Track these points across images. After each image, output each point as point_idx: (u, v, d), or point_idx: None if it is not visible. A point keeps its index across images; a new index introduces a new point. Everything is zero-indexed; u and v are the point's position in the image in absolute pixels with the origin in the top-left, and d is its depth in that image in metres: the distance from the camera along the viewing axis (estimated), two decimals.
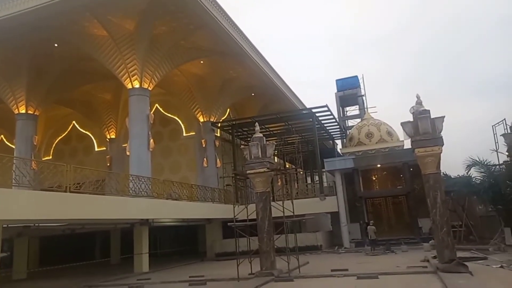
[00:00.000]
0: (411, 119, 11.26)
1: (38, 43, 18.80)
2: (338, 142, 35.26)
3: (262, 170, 12.24)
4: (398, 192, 22.45)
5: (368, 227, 18.00)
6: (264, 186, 12.44)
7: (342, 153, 26.52)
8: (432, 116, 11.00)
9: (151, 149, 18.59)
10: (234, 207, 12.71)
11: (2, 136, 29.24)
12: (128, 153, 18.72)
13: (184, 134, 26.14)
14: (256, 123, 14.41)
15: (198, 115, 25.04)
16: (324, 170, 24.02)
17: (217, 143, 25.41)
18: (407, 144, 19.40)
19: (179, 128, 26.26)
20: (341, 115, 39.58)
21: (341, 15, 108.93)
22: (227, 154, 25.91)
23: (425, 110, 11.16)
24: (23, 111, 20.99)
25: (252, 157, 12.49)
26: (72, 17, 16.95)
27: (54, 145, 28.66)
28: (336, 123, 28.02)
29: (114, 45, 18.22)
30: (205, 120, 25.03)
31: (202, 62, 22.55)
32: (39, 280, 15.65)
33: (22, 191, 10.35)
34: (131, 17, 17.42)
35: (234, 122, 25.56)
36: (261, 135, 13.10)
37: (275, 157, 26.93)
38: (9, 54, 19.55)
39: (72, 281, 14.33)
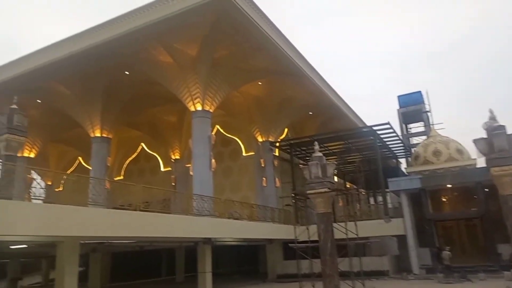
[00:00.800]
0: (484, 136, 10.48)
1: (111, 71, 20.44)
2: (402, 160, 33.68)
3: (322, 190, 12.01)
4: (472, 215, 20.67)
5: (443, 252, 16.78)
6: (325, 207, 12.17)
7: (407, 173, 25.25)
8: (508, 132, 10.16)
9: (212, 169, 19.13)
10: (294, 228, 12.55)
11: (80, 158, 31.88)
12: (191, 173, 19.41)
13: (244, 154, 26.60)
14: (315, 142, 14.28)
15: (257, 135, 25.42)
16: (388, 190, 22.97)
17: (275, 163, 25.50)
18: (481, 163, 17.97)
19: (239, 148, 26.79)
20: (404, 132, 37.90)
21: (397, 30, 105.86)
22: (286, 174, 25.85)
23: (500, 125, 10.35)
24: (98, 135, 22.75)
25: (312, 177, 12.32)
26: (140, 46, 18.26)
27: (125, 165, 30.59)
28: (399, 141, 26.85)
29: (179, 70, 19.26)
30: (263, 140, 25.32)
31: (260, 83, 23.01)
32: None
33: (98, 210, 11.12)
34: (193, 43, 18.35)
35: (292, 141, 25.54)
36: (320, 154, 12.93)
37: (336, 177, 26.35)
38: (87, 82, 21.45)
39: None
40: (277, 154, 26.42)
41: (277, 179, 24.99)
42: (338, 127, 26.18)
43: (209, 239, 15.63)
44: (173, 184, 26.80)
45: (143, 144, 30.28)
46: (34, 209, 10.02)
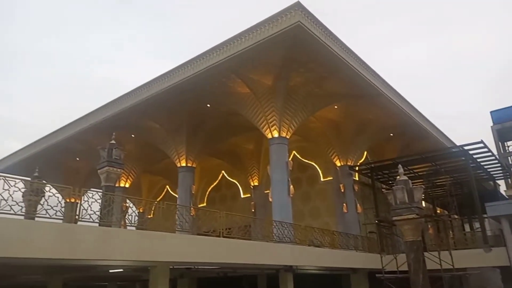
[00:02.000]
0: None
1: (194, 105, 21.89)
2: (501, 182, 30.29)
3: (410, 216, 11.31)
4: None
5: None
6: (414, 235, 11.41)
7: (507, 196, 22.60)
8: None
9: (291, 195, 19.13)
10: (381, 257, 11.89)
11: (167, 186, 34.15)
12: (270, 199, 19.62)
13: (322, 179, 26.19)
14: (399, 165, 13.59)
15: (334, 159, 24.95)
16: (485, 216, 20.73)
17: (356, 188, 24.64)
18: None
19: (317, 173, 26.48)
20: (501, 151, 34.22)
21: (478, 41, 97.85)
22: (368, 199, 24.78)
23: None
24: (184, 164, 24.27)
25: (398, 202, 11.70)
26: (219, 79, 19.36)
27: (207, 193, 31.99)
28: (495, 161, 24.30)
29: (256, 99, 19.96)
30: (342, 164, 24.74)
31: (336, 107, 22.78)
32: None
33: (186, 236, 11.75)
34: (269, 73, 18.96)
35: (373, 165, 24.55)
36: (406, 177, 12.27)
37: (424, 202, 24.57)
38: (173, 116, 23.23)
39: None
40: (357, 178, 25.56)
41: (358, 205, 24.06)
42: (423, 148, 24.61)
43: (290, 266, 15.46)
44: (253, 210, 27.25)
45: (223, 172, 31.47)
46: (130, 235, 10.91)
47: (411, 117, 24.10)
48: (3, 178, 8.80)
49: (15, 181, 9.08)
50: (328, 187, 25.61)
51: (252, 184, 28.47)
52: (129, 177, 28.72)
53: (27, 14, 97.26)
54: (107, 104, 23.75)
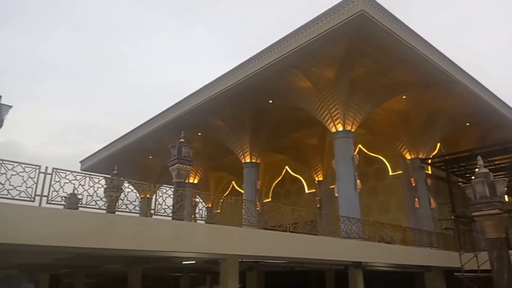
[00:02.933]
0: None
1: (256, 102, 22.20)
2: None
3: (492, 211, 10.45)
4: None
5: None
6: (497, 231, 10.53)
7: None
8: None
9: (358, 190, 18.63)
10: (460, 255, 11.15)
11: (233, 182, 35.08)
12: (336, 194, 19.29)
13: (390, 173, 25.14)
14: (478, 157, 12.58)
15: (404, 152, 23.79)
16: None
17: (429, 182, 23.30)
18: None
19: (384, 167, 25.48)
20: None
21: None
22: (442, 193, 23.27)
23: None
24: (248, 160, 24.76)
25: (478, 196, 10.87)
26: (281, 75, 19.37)
27: (272, 188, 32.30)
28: None
29: (318, 93, 19.69)
30: (412, 157, 23.52)
31: (404, 97, 21.67)
32: None
33: (254, 230, 12.01)
34: (331, 66, 18.58)
35: (447, 157, 22.97)
36: (486, 170, 11.35)
37: (507, 196, 22.50)
38: (236, 114, 23.77)
39: None
40: (429, 172, 24.14)
41: (431, 200, 22.73)
42: (503, 138, 22.57)
43: (360, 263, 15.09)
44: (318, 205, 26.98)
45: (287, 167, 31.52)
46: (201, 229, 11.42)
47: (489, 104, 22.17)
48: (88, 176, 9.67)
49: (98, 178, 9.95)
50: (398, 181, 24.52)
51: (317, 179, 28.18)
52: (197, 173, 29.97)
53: (103, 21, 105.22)
54: (176, 105, 24.98)
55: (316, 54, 17.69)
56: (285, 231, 12.55)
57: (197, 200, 15.83)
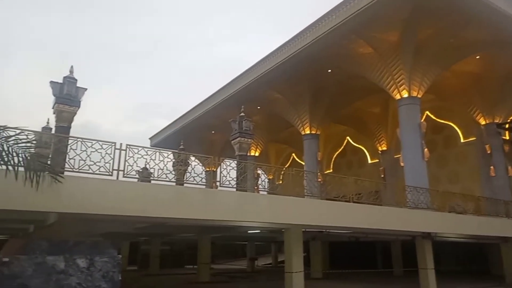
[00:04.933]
0: None
1: (314, 72, 21.74)
2: None
3: None
4: None
5: None
6: None
7: None
8: None
9: (426, 159, 17.78)
10: None
11: (293, 154, 35.21)
12: (402, 164, 18.60)
13: (462, 141, 23.57)
14: None
15: (477, 117, 22.08)
16: None
17: (506, 148, 21.51)
18: None
19: (455, 134, 23.91)
20: None
21: None
22: None
23: None
24: (308, 132, 24.60)
25: None
26: (339, 43, 18.70)
27: (333, 159, 31.95)
28: None
29: (380, 59, 18.78)
30: (487, 122, 21.78)
31: (478, 57, 19.88)
32: (333, 281, 17.54)
33: (317, 201, 12.10)
34: (393, 29, 17.53)
35: None
36: None
37: None
38: (294, 86, 23.53)
39: (360, 285, 15.36)
40: (507, 137, 22.22)
41: (509, 168, 21.03)
42: None
43: (429, 233, 14.59)
44: (382, 176, 26.24)
45: (348, 138, 30.85)
46: (264, 199, 11.76)
47: None
48: (158, 151, 10.32)
49: (167, 153, 10.57)
50: (470, 148, 22.96)
51: (380, 149, 27.30)
52: (258, 146, 30.47)
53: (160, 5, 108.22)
54: (234, 80, 25.33)
55: (378, 17, 16.75)
56: (348, 201, 12.46)
57: (259, 172, 16.15)
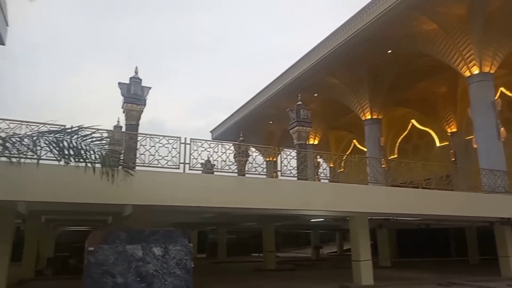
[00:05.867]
0: None
1: (372, 54, 20.83)
2: None
3: None
4: None
5: None
6: None
7: None
8: None
9: (502, 139, 16.37)
10: None
11: (354, 140, 34.26)
12: (475, 146, 17.31)
13: None
14: None
15: None
16: None
17: None
18: None
19: None
20: None
21: None
22: None
23: None
24: (369, 117, 23.76)
25: None
26: (399, 21, 17.69)
27: (397, 144, 30.57)
28: None
29: (446, 35, 17.51)
30: None
31: None
32: (402, 270, 16.97)
33: (381, 187, 11.72)
34: (460, 2, 16.24)
35: None
36: None
37: None
38: (352, 70, 22.78)
39: (433, 274, 14.69)
40: None
41: None
42: None
43: (508, 219, 13.49)
44: (453, 159, 24.59)
45: (413, 121, 29.26)
46: (326, 187, 11.65)
47: None
48: (220, 143, 10.64)
49: (228, 145, 10.87)
50: None
51: (449, 131, 25.55)
52: (317, 134, 30.07)
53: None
54: (291, 68, 25.15)
55: None
56: (417, 187, 11.91)
57: (319, 160, 16.00)
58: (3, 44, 3.24)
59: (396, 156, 29.77)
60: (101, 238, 7.26)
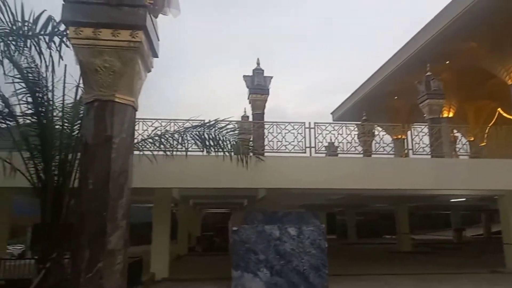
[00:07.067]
0: None
1: None
2: None
3: None
4: None
5: None
6: None
7: None
8: None
9: None
10: None
11: (499, 109, 29.86)
12: None
13: None
14: None
15: None
16: None
17: None
18: None
19: None
20: None
21: None
22: None
23: None
24: None
25: None
26: None
27: None
28: None
29: None
30: None
31: None
32: None
33: None
34: None
35: None
36: None
37: None
38: (493, 27, 19.63)
39: None
40: None
41: None
42: None
43: None
44: None
45: None
46: (466, 164, 10.58)
47: None
48: (345, 125, 10.56)
49: (353, 126, 10.73)
50: None
51: None
52: (451, 106, 27.11)
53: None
54: (414, 37, 23.11)
55: None
56: None
57: (456, 134, 14.56)
58: (157, 56, 3.87)
59: None
60: (241, 219, 8.06)
